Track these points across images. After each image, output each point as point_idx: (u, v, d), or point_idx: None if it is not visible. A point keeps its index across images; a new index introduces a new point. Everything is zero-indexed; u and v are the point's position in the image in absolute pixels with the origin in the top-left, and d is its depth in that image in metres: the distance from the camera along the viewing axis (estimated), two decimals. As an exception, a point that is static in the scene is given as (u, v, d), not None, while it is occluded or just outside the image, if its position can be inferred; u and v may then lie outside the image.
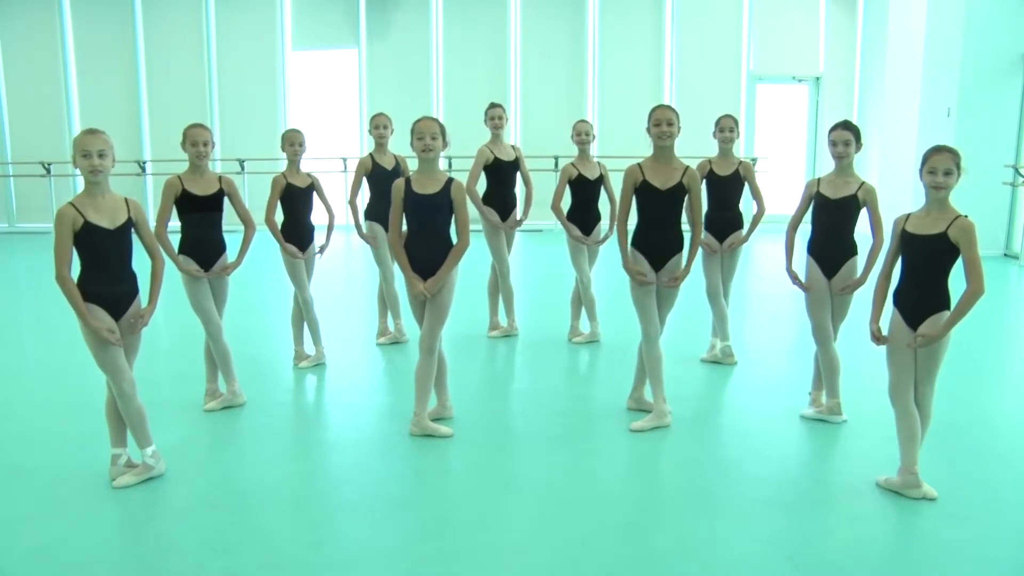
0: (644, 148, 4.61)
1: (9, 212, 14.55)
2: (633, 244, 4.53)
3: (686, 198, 4.49)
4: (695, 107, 12.74)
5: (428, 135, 4.29)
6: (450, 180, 4.35)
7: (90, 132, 3.63)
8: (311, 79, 14.59)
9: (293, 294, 5.72)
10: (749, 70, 13.91)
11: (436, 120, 4.36)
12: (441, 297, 4.35)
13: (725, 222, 5.64)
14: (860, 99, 13.80)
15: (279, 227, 5.48)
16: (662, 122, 4.41)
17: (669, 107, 4.49)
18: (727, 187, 5.60)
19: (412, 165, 4.76)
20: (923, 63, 11.38)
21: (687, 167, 4.48)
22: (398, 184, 4.34)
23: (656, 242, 4.49)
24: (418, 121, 4.36)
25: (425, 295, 4.30)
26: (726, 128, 5.62)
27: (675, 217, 4.50)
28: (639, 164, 4.50)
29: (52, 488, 3.83)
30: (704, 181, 5.54)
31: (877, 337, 3.83)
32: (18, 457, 4.23)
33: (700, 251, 5.66)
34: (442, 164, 4.99)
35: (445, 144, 4.37)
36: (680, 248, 4.53)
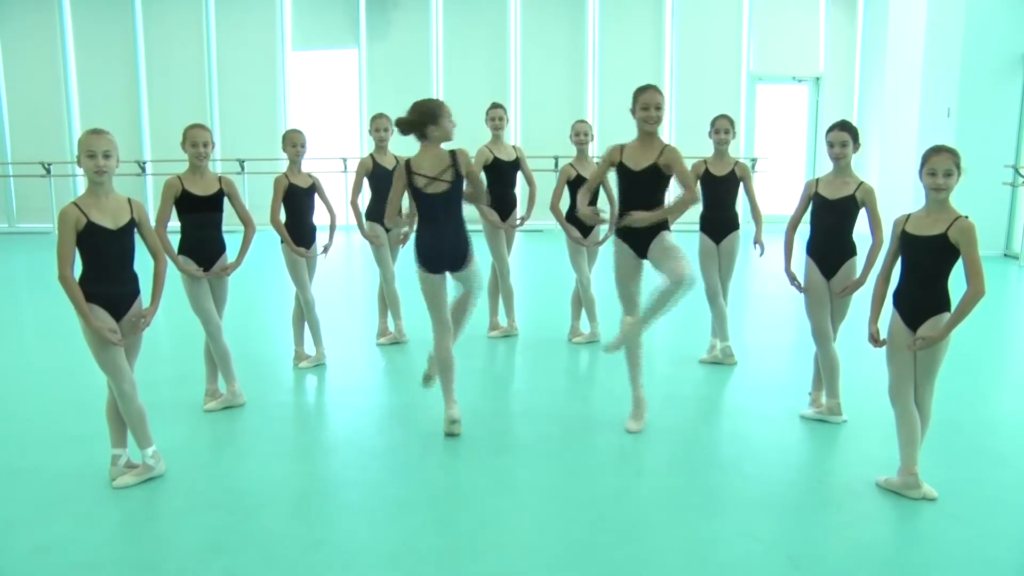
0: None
1: (9, 212, 14.56)
2: (616, 232, 4.42)
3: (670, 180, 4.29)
4: (695, 107, 12.78)
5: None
6: (452, 152, 4.32)
7: (95, 132, 3.63)
8: (311, 79, 14.60)
9: (294, 294, 5.73)
10: (749, 70, 13.91)
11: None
12: (474, 268, 4.45)
13: (721, 222, 5.64)
14: (860, 99, 13.81)
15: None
16: (650, 106, 4.24)
17: (657, 89, 4.30)
18: (723, 187, 5.60)
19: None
20: (923, 63, 11.39)
21: (665, 146, 4.26)
22: (399, 170, 4.34)
23: (637, 227, 4.28)
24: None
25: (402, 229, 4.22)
26: (721, 129, 5.62)
27: (654, 200, 4.29)
28: (621, 145, 4.35)
29: (52, 488, 3.83)
30: (700, 181, 5.53)
31: (875, 339, 3.83)
32: (18, 457, 4.23)
33: (697, 252, 5.65)
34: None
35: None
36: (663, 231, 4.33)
